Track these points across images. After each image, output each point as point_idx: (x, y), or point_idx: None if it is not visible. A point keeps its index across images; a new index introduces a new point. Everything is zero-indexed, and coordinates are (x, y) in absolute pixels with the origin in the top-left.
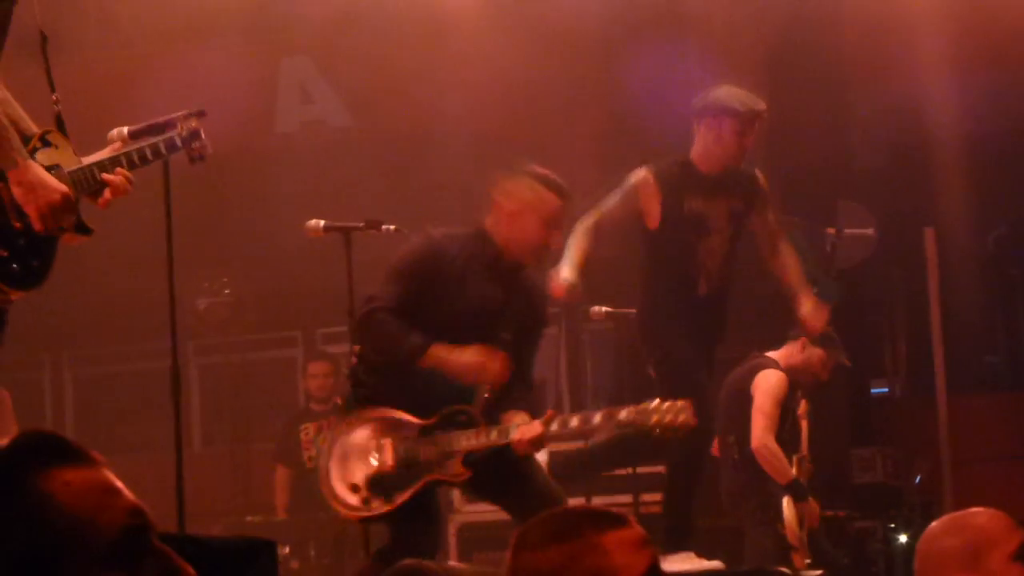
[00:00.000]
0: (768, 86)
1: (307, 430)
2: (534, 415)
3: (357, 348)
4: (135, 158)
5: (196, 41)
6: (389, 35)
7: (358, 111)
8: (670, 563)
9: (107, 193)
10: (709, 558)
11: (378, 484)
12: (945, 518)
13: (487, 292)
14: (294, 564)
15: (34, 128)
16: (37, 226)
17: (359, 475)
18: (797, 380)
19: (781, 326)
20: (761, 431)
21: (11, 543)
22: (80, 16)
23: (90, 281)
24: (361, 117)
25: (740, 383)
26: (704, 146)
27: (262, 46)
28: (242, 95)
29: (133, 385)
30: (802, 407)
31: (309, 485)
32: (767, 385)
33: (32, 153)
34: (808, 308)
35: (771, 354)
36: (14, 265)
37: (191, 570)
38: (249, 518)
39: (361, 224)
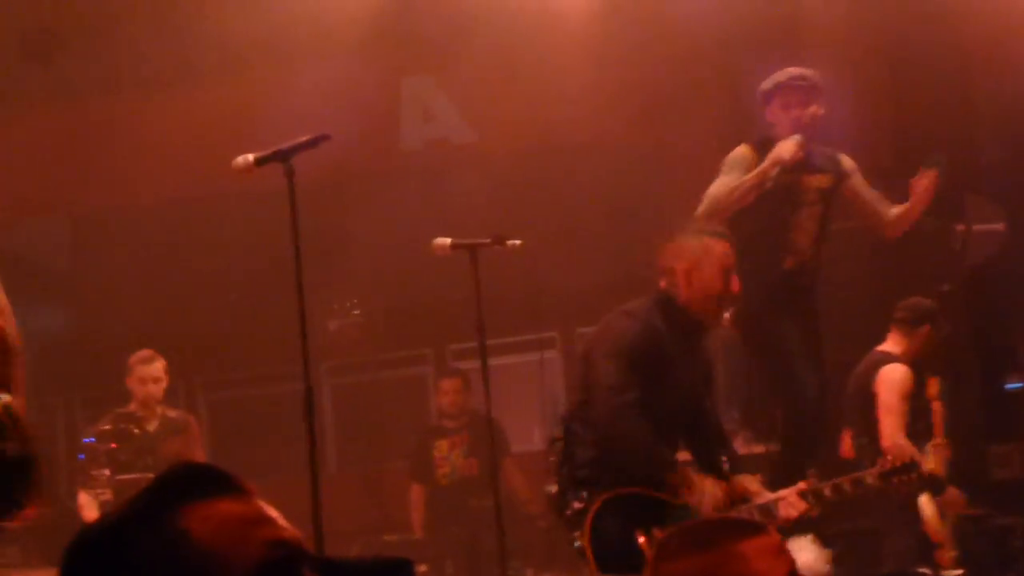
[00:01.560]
0: (890, 85)
1: (440, 447)
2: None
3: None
4: None
5: (317, 63)
6: (507, 49)
7: (480, 127)
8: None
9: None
10: (846, 562)
11: None
12: None
13: (688, 361)
14: None
15: None
16: None
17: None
18: (917, 363)
19: (882, 321)
20: (891, 430)
21: None
22: (199, 43)
23: (221, 306)
24: (483, 133)
25: (863, 382)
26: (778, 133)
27: (383, 66)
28: (365, 116)
29: (267, 408)
30: (933, 388)
31: (444, 502)
32: (890, 381)
33: None
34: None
35: (885, 347)
36: None
37: None
38: (386, 537)
39: (487, 240)
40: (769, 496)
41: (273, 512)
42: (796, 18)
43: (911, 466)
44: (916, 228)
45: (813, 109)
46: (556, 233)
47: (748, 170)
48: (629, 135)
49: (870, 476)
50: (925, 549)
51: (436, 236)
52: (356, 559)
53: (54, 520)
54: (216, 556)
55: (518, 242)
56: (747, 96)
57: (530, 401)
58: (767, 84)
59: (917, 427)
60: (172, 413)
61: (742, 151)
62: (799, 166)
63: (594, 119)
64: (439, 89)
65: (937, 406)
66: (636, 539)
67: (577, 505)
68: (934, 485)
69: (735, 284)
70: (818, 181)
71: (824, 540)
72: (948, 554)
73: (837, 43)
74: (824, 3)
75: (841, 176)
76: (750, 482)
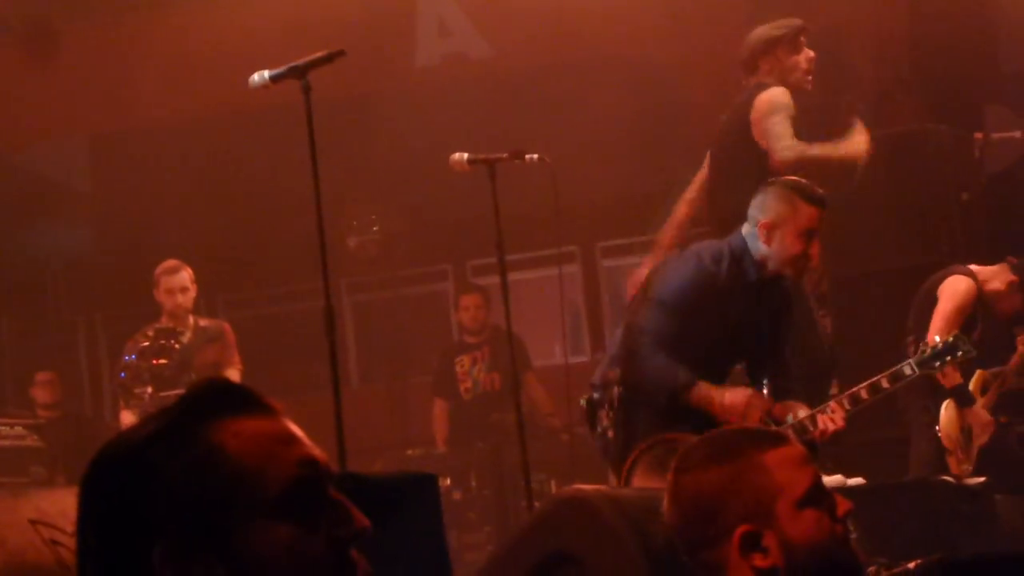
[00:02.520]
0: None
1: (462, 362)
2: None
3: (615, 376)
4: None
5: None
6: None
7: (498, 41)
8: None
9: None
10: (873, 471)
11: None
12: None
13: (748, 312)
14: (456, 495)
15: None
16: None
17: None
18: (992, 305)
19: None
20: (937, 333)
21: (180, 492)
22: None
23: (241, 225)
24: (501, 47)
25: (930, 286)
26: (788, 76)
27: None
28: (381, 32)
29: (288, 326)
30: None
31: (466, 416)
32: (952, 290)
33: None
34: None
35: (973, 266)
36: None
37: (366, 521)
38: (409, 452)
39: (505, 155)
40: (807, 412)
41: (299, 431)
42: None
43: (950, 347)
44: (935, 137)
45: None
46: (575, 148)
47: (790, 116)
48: (650, 50)
49: (908, 366)
50: (942, 453)
51: (454, 151)
52: (381, 474)
53: (77, 438)
54: (250, 471)
55: (536, 157)
56: (770, 15)
57: (550, 316)
58: (779, 30)
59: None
60: (204, 322)
61: (783, 95)
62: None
63: (614, 33)
64: (455, 2)
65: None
66: None
67: (611, 434)
68: (960, 396)
69: (815, 248)
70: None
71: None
72: (962, 465)
73: None
74: None
75: None
76: (795, 407)
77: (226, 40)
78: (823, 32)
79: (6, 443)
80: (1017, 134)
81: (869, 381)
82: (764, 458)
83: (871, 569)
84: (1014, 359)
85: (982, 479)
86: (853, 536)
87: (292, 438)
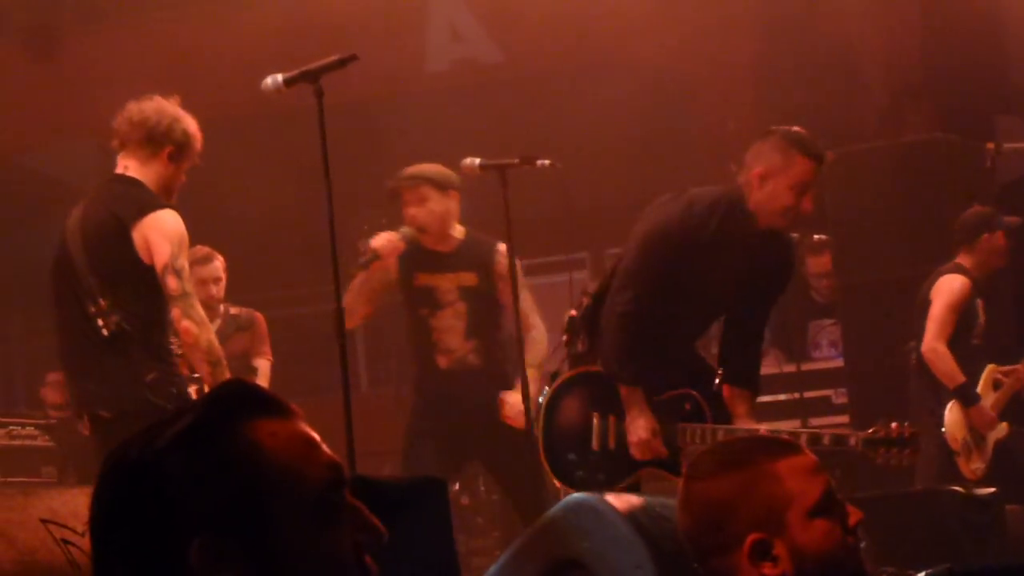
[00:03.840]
0: (920, 7)
1: None
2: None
3: (586, 301)
4: None
5: None
6: None
7: (509, 47)
8: None
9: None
10: (881, 478)
11: (597, 466)
12: None
13: (734, 266)
14: (464, 500)
15: None
16: None
17: (577, 450)
18: (990, 270)
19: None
20: (931, 336)
21: (220, 489)
22: None
23: (251, 228)
24: (512, 52)
25: (925, 290)
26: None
27: None
28: (392, 37)
29: (299, 329)
30: None
31: None
32: (943, 290)
33: None
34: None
35: (960, 258)
36: None
37: (383, 528)
38: None
39: (516, 160)
40: (747, 425)
41: (316, 435)
42: None
43: (901, 441)
44: (946, 147)
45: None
46: (586, 153)
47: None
48: (661, 55)
49: (853, 437)
50: (950, 456)
51: (465, 157)
52: (390, 478)
53: (87, 439)
54: (290, 470)
55: (547, 162)
56: (780, 35)
57: (560, 321)
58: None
59: (971, 344)
60: (235, 310)
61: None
62: (421, 266)
63: (625, 39)
64: (466, 8)
65: None
66: (590, 420)
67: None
68: (964, 395)
69: (807, 203)
70: (459, 280)
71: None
72: (972, 465)
73: None
74: None
75: (491, 274)
76: (742, 403)
77: (238, 43)
78: (836, 40)
79: (17, 443)
80: None
81: (810, 431)
82: (776, 466)
83: None
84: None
85: (991, 489)
86: (862, 545)
87: (316, 442)
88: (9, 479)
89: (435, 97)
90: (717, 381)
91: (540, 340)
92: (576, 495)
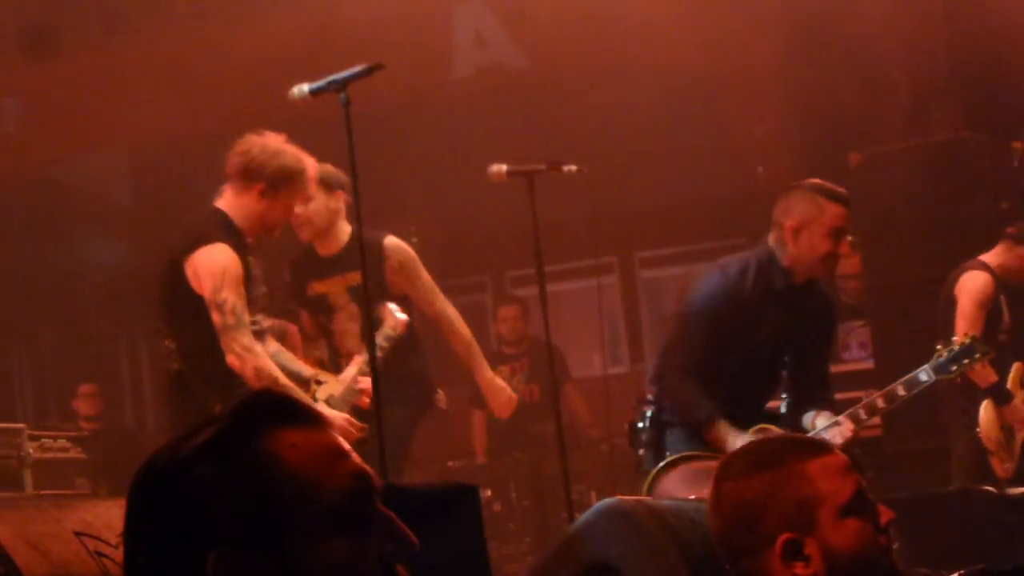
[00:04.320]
0: (944, 5)
1: (500, 373)
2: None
3: (650, 395)
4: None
5: None
6: None
7: (534, 53)
8: None
9: (364, 398)
10: (918, 482)
11: None
12: None
13: (779, 320)
14: (496, 507)
15: (304, 368)
16: None
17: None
18: (1011, 280)
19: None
20: (960, 333)
21: (238, 501)
22: None
23: (279, 236)
24: (537, 58)
25: (948, 288)
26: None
27: None
28: (418, 44)
29: None
30: None
31: (505, 428)
32: (969, 287)
33: (313, 397)
34: (486, 381)
35: (983, 256)
36: None
37: (414, 538)
38: (450, 463)
39: (543, 166)
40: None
41: (346, 443)
42: None
43: (966, 350)
44: (973, 146)
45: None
46: (613, 158)
47: None
48: (686, 60)
49: (924, 372)
50: (984, 455)
51: (492, 163)
52: (423, 485)
53: (120, 450)
54: (307, 482)
55: (574, 168)
56: (803, 36)
57: (589, 327)
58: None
59: (997, 339)
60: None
61: None
62: (311, 274)
63: (651, 44)
64: (491, 14)
65: None
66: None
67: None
68: (997, 393)
69: (845, 247)
70: (344, 282)
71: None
72: (1004, 464)
73: None
74: None
75: (380, 270)
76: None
77: (265, 53)
78: (861, 40)
79: (50, 455)
80: None
81: (885, 389)
82: (807, 467)
83: None
84: None
85: (1021, 490)
86: (895, 546)
87: (343, 452)
88: (42, 492)
89: (461, 103)
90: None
91: (455, 321)
92: (607, 500)
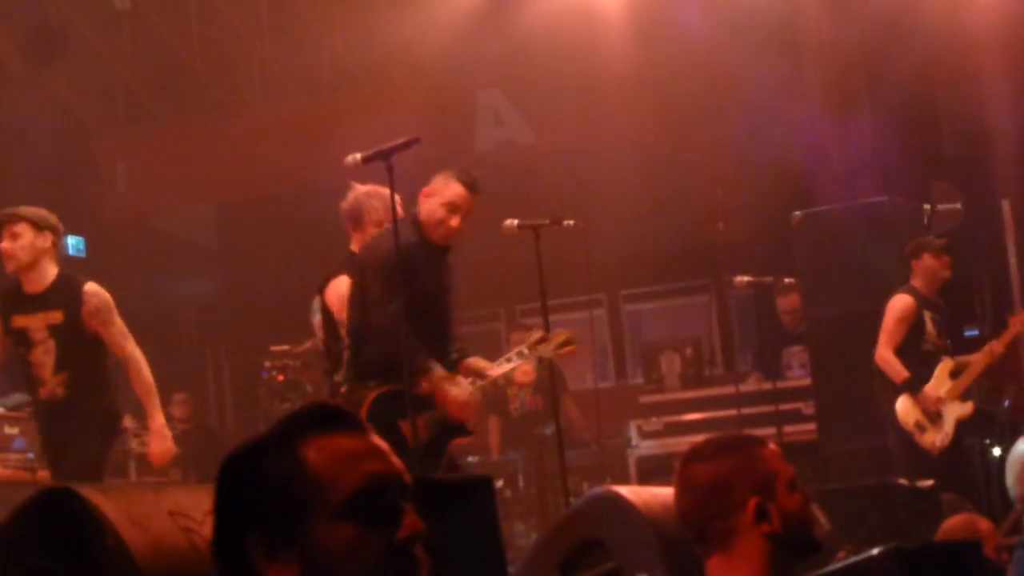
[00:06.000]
0: (868, 90)
1: (512, 386)
2: None
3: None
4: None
5: (408, 80)
6: (563, 67)
7: (541, 130)
8: None
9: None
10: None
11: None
12: None
13: (432, 274)
14: (507, 494)
15: None
16: None
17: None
18: (931, 293)
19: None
20: (880, 344)
21: (270, 494)
22: (317, 62)
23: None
24: (543, 135)
25: (883, 308)
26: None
27: (461, 81)
28: (448, 124)
29: None
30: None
31: (515, 430)
32: (892, 306)
33: None
34: (156, 426)
35: (913, 280)
36: None
37: (419, 524)
38: (469, 459)
39: (547, 221)
40: (501, 369)
41: (384, 446)
42: (795, 44)
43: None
44: (892, 207)
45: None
46: (602, 215)
47: None
48: (663, 135)
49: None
50: (911, 439)
51: (506, 218)
52: (445, 477)
53: (206, 446)
54: (322, 481)
55: (572, 222)
56: (753, 117)
57: (583, 349)
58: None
59: (922, 349)
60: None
61: None
62: (16, 308)
63: (634, 123)
64: (507, 99)
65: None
66: (398, 428)
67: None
68: (908, 386)
69: (456, 220)
70: (46, 319)
71: (831, 460)
72: (932, 439)
73: (823, 54)
74: (815, 27)
75: (78, 312)
76: (478, 361)
77: (327, 127)
78: (800, 122)
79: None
80: (957, 205)
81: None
82: (762, 451)
83: (841, 554)
84: (982, 357)
85: (930, 482)
86: (827, 529)
87: (371, 453)
88: (144, 478)
89: (482, 171)
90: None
91: (141, 365)
92: (597, 488)
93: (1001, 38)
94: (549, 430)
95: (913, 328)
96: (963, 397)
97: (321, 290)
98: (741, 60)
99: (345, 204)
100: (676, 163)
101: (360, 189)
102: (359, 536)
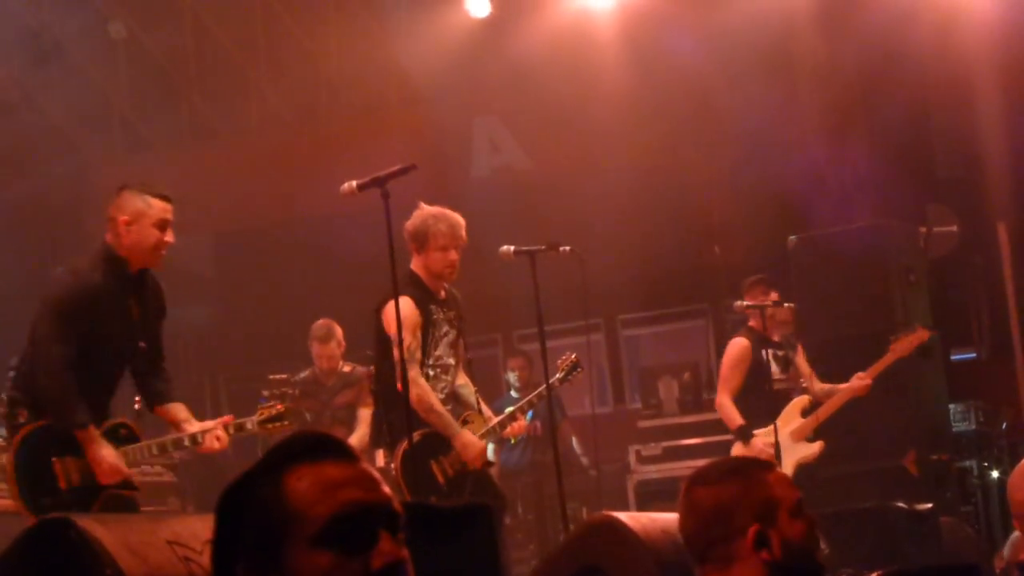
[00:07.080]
0: (863, 114)
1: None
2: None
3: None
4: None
5: (404, 107)
6: (558, 93)
7: (536, 156)
8: None
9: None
10: (841, 499)
11: (70, 502)
12: None
13: (128, 307)
14: (506, 520)
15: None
16: None
17: (50, 493)
18: (772, 334)
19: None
20: (718, 392)
21: (255, 523)
22: (313, 89)
23: (334, 304)
24: (539, 161)
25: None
26: None
27: (458, 108)
28: (444, 150)
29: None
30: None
31: (514, 456)
32: (727, 353)
33: None
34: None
35: (751, 322)
36: None
37: (400, 554)
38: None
39: (543, 247)
40: (197, 427)
41: (375, 475)
42: (790, 68)
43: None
44: (887, 230)
45: None
46: (599, 240)
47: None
48: (655, 160)
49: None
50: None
51: (503, 245)
52: (444, 503)
53: (204, 475)
54: (299, 510)
55: (568, 248)
56: (750, 142)
57: (581, 375)
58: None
59: (766, 389)
60: (347, 368)
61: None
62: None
63: (630, 148)
64: (503, 125)
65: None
66: (52, 465)
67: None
68: (740, 434)
69: (170, 235)
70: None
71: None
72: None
73: (819, 78)
74: (810, 51)
75: None
76: (180, 410)
77: (321, 155)
78: (797, 146)
79: (147, 479)
80: (953, 228)
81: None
82: (767, 476)
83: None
84: (846, 390)
85: (929, 505)
86: (825, 551)
87: (354, 482)
88: (141, 509)
89: (479, 197)
90: (137, 407)
91: None
92: (595, 515)
93: (995, 61)
94: (548, 456)
95: (752, 370)
96: (812, 437)
97: (378, 310)
98: (736, 85)
99: (410, 224)
100: (672, 188)
101: (428, 210)
102: (335, 564)
